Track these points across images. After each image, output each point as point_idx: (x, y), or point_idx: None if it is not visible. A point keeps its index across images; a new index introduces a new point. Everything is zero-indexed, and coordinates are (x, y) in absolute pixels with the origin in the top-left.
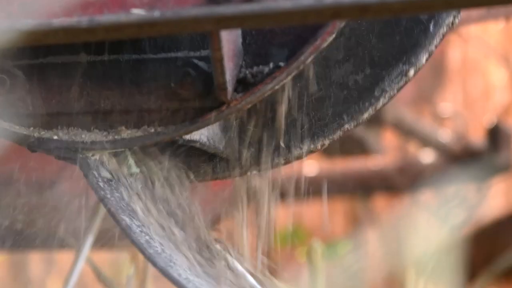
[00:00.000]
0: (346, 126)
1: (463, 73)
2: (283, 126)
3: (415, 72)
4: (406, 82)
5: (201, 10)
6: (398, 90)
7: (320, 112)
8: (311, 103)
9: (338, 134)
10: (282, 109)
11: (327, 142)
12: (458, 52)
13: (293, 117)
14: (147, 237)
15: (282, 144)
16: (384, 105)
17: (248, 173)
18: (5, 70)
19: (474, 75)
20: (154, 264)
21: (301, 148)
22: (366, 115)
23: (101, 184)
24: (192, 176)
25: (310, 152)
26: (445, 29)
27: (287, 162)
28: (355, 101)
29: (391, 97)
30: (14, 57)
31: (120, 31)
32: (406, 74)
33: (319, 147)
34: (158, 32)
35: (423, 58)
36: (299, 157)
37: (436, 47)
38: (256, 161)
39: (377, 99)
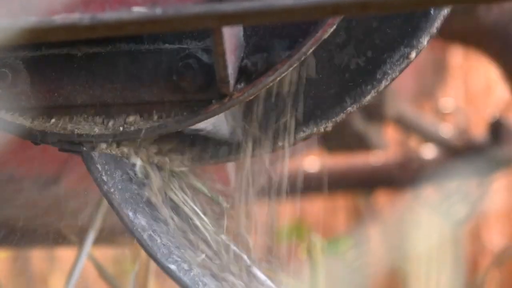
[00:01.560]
0: (349, 108)
1: (464, 68)
2: (286, 109)
3: (417, 55)
4: (407, 64)
5: (203, 7)
6: (400, 72)
7: (323, 95)
8: (314, 86)
9: (341, 116)
10: (285, 93)
11: (330, 124)
12: (460, 47)
13: (297, 100)
14: (150, 232)
15: (285, 126)
16: (386, 87)
17: (252, 156)
18: (7, 64)
19: (475, 70)
20: (156, 260)
21: (304, 131)
22: (368, 98)
23: (104, 177)
24: (196, 161)
25: (313, 134)
26: (446, 12)
27: (290, 144)
28: (357, 84)
29: (393, 79)
30: (15, 50)
31: (122, 29)
32: (407, 57)
33: (322, 129)
34: (159, 29)
35: (425, 40)
36: (303, 140)
37: (437, 29)
38: (260, 145)
39: (379, 81)
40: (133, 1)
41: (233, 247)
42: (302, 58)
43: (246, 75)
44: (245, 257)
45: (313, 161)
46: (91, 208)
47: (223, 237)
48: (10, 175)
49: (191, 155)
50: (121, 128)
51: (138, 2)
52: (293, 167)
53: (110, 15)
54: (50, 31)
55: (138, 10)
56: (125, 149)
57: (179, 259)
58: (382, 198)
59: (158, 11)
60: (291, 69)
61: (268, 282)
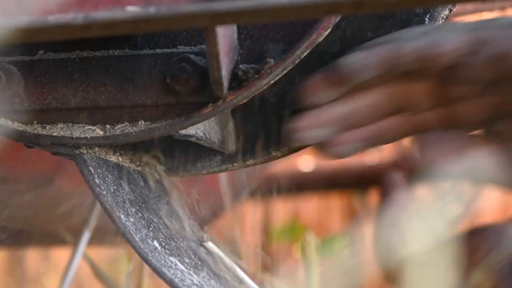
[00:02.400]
0: None
1: None
2: (280, 119)
3: None
4: None
5: (197, 6)
6: None
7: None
8: None
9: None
10: (279, 102)
11: None
12: None
13: (290, 110)
14: (141, 235)
15: (279, 136)
16: None
17: (245, 166)
18: (0, 67)
19: None
20: (148, 262)
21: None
22: None
23: (96, 180)
24: (188, 171)
25: (307, 145)
26: (440, 22)
27: (284, 154)
28: None
29: None
30: (9, 53)
31: (116, 28)
32: None
33: None
34: (153, 29)
35: None
36: (296, 150)
37: None
38: (253, 154)
39: None
40: (127, 0)
41: (220, 253)
42: (297, 61)
43: (238, 78)
44: (232, 263)
45: (307, 160)
46: (85, 208)
47: (210, 244)
48: (4, 175)
49: (182, 163)
50: (114, 131)
51: (132, 1)
52: (288, 167)
53: (103, 14)
54: (44, 30)
55: (132, 9)
56: (117, 153)
57: (171, 263)
58: (376, 198)
59: (152, 10)
60: (285, 72)
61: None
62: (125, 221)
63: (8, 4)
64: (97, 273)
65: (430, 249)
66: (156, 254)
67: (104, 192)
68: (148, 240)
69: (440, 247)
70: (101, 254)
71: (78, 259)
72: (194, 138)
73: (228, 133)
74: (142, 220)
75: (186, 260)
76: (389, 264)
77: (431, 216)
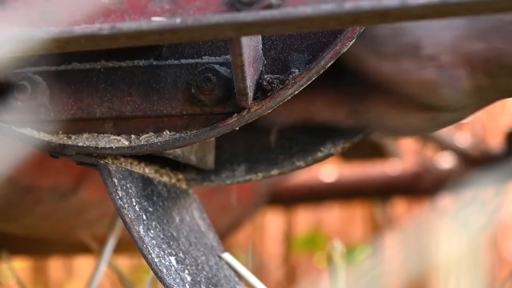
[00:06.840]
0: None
1: None
2: (304, 129)
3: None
4: None
5: (222, 17)
6: None
7: None
8: None
9: (358, 137)
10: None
11: (347, 145)
12: None
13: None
14: (158, 250)
15: (303, 146)
16: None
17: (270, 176)
18: (26, 77)
19: None
20: (161, 280)
21: (322, 151)
22: None
23: (119, 192)
24: (212, 181)
25: (331, 155)
26: None
27: (308, 165)
28: None
29: None
30: (34, 64)
31: (142, 38)
32: None
33: (340, 150)
34: (179, 39)
35: None
36: (320, 160)
37: None
38: (277, 164)
39: None
40: (153, 11)
41: (239, 265)
42: (321, 72)
43: (263, 88)
44: (251, 276)
45: (330, 170)
46: (109, 218)
47: (229, 256)
48: (28, 185)
49: (206, 174)
50: (139, 141)
51: (157, 12)
52: (310, 176)
53: (129, 24)
54: (70, 41)
55: (158, 20)
56: (142, 163)
57: (185, 281)
58: (399, 207)
59: (178, 20)
60: (309, 82)
61: None
62: (144, 236)
63: (34, 16)
64: (123, 280)
65: (457, 257)
66: (171, 272)
67: (126, 206)
68: (165, 256)
69: (465, 256)
70: (123, 263)
71: (103, 268)
72: (172, 155)
73: (208, 150)
74: (161, 234)
75: (201, 276)
76: (417, 271)
77: (455, 225)
